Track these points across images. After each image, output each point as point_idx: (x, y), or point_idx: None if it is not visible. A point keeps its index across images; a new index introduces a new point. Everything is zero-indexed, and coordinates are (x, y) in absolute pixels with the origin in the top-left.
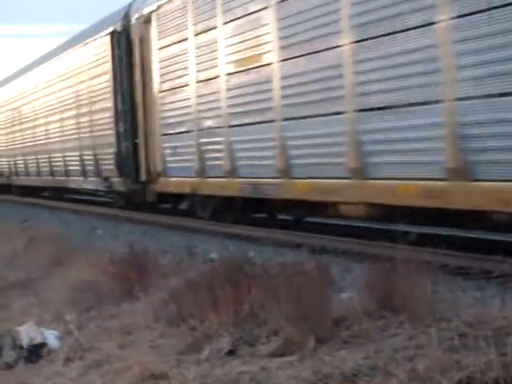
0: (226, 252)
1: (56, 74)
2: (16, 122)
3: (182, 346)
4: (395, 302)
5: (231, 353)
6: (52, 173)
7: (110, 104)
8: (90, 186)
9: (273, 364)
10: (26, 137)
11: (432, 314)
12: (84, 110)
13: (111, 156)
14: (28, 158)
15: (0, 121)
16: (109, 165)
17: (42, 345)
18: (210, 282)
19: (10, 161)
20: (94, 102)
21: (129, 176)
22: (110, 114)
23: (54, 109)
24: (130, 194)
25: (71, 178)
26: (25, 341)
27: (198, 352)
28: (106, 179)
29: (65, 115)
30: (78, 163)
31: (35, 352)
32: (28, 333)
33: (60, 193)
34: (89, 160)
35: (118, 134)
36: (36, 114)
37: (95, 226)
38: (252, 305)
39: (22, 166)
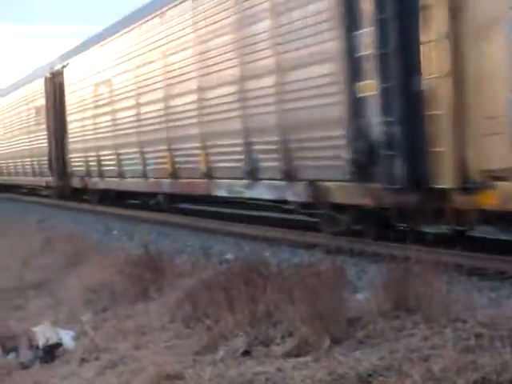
0: (242, 252)
1: None
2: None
3: (198, 346)
4: (410, 302)
5: (246, 353)
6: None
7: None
8: None
9: (288, 364)
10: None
11: (447, 314)
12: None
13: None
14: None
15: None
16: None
17: (58, 345)
18: (225, 283)
19: (88, 156)
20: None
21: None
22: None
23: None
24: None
25: None
26: (41, 341)
27: (214, 352)
28: None
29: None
30: None
31: (51, 352)
32: (44, 333)
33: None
34: None
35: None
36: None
37: (111, 227)
38: (267, 305)
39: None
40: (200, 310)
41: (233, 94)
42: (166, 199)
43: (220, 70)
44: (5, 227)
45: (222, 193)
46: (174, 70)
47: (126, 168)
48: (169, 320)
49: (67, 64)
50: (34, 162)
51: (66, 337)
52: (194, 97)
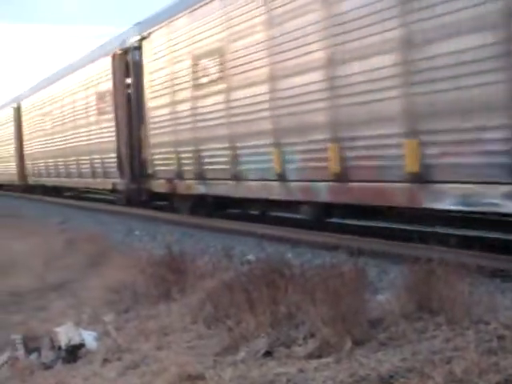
0: (264, 253)
1: None
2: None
3: (219, 347)
4: (433, 303)
5: (268, 354)
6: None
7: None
8: None
9: (309, 365)
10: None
11: (470, 316)
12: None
13: None
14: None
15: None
16: None
17: (80, 345)
18: (247, 284)
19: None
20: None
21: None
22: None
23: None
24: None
25: None
26: (63, 341)
27: (235, 353)
28: None
29: None
30: None
31: (73, 353)
32: (66, 333)
33: None
34: None
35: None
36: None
37: (133, 227)
38: (289, 306)
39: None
40: (222, 311)
41: None
42: (317, 211)
43: None
44: (27, 228)
45: (448, 205)
46: None
47: (245, 167)
48: (190, 321)
49: (148, 35)
50: (96, 161)
51: (89, 337)
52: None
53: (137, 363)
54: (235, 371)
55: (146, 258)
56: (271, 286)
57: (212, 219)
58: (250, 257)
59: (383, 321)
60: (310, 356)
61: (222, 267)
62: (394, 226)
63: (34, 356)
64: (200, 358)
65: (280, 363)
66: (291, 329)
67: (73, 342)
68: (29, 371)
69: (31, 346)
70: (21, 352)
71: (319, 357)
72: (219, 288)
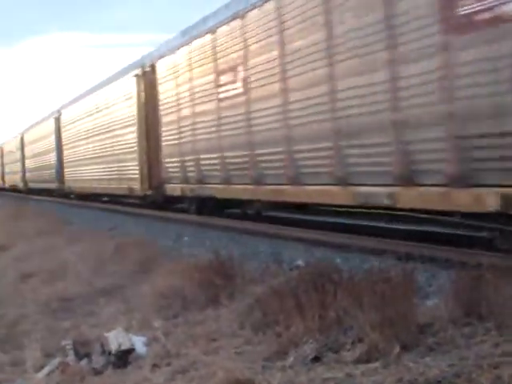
0: (312, 259)
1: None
2: None
3: (268, 352)
4: (482, 309)
5: (316, 359)
6: None
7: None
8: None
9: (357, 370)
10: None
11: None
12: None
13: None
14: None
15: None
16: None
17: (130, 351)
18: (295, 289)
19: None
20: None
21: None
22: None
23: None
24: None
25: None
26: (113, 346)
27: (283, 358)
28: None
29: None
30: None
31: (123, 358)
32: (116, 339)
33: None
34: None
35: None
36: None
37: (182, 233)
38: (337, 311)
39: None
40: (270, 317)
41: None
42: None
43: None
44: (77, 234)
45: None
46: None
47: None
48: (239, 326)
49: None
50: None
51: (138, 342)
52: None
53: (185, 368)
54: (284, 376)
55: (194, 264)
56: (320, 291)
57: (260, 224)
58: (299, 262)
59: (432, 326)
60: (357, 361)
61: (271, 272)
62: (443, 230)
63: (84, 361)
64: (248, 363)
65: (328, 368)
66: (339, 334)
67: (123, 348)
68: (79, 376)
69: (82, 351)
70: (71, 357)
71: (367, 362)
72: (268, 293)
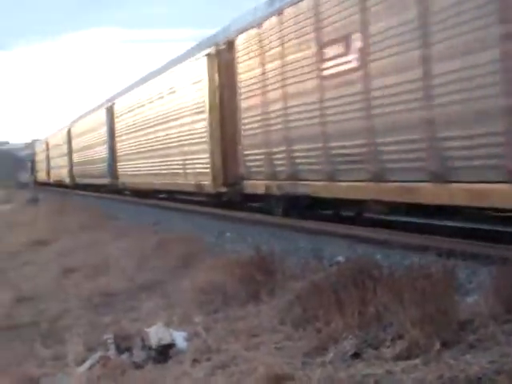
0: (353, 255)
1: None
2: None
3: (307, 348)
4: None
5: (356, 355)
6: None
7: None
8: None
9: (397, 367)
10: None
11: None
12: None
13: None
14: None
15: None
16: None
17: (171, 345)
18: (335, 285)
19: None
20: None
21: None
22: None
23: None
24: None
25: None
26: (154, 341)
27: (323, 354)
28: None
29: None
30: None
31: (164, 352)
32: (157, 333)
33: None
34: None
35: None
36: None
37: (224, 229)
38: (377, 307)
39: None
40: (310, 312)
41: None
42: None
43: None
44: (121, 229)
45: None
46: None
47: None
48: (279, 322)
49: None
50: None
51: (179, 337)
52: None
53: (226, 363)
54: (323, 372)
55: (235, 259)
56: (360, 287)
57: (302, 220)
58: (340, 258)
59: (472, 322)
60: (397, 357)
61: (311, 268)
62: (484, 227)
63: (125, 356)
64: (288, 358)
65: (368, 364)
66: (379, 330)
67: (163, 342)
68: (120, 371)
69: (123, 345)
70: (112, 351)
71: (407, 358)
72: (308, 289)
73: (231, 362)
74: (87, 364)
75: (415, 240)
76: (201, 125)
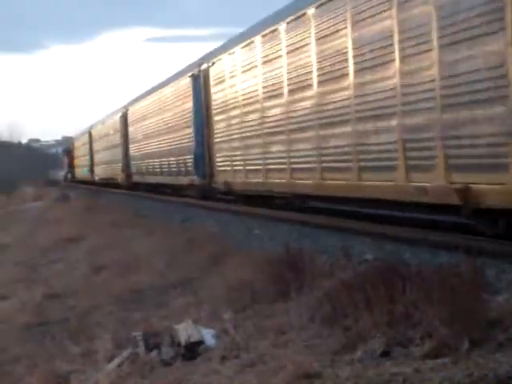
0: (382, 253)
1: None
2: None
3: (336, 346)
4: None
5: (385, 354)
6: None
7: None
8: None
9: (426, 366)
10: None
11: None
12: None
13: None
14: None
15: None
16: None
17: (200, 343)
18: (364, 283)
19: None
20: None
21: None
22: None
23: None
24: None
25: None
26: (183, 338)
27: (352, 352)
28: None
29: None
30: None
31: (192, 350)
32: (186, 331)
33: None
34: None
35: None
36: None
37: (252, 227)
38: (406, 306)
39: None
40: (339, 310)
41: None
42: None
43: None
44: (151, 227)
45: None
46: None
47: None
48: (308, 319)
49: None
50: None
51: (208, 335)
52: None
53: (254, 361)
54: (352, 370)
55: (264, 257)
56: (388, 286)
57: (330, 218)
58: (368, 256)
59: (501, 321)
60: (426, 356)
61: (340, 266)
62: None
63: (154, 353)
64: (317, 356)
65: (396, 363)
66: (408, 328)
67: (192, 339)
68: (149, 367)
69: (152, 342)
70: (141, 349)
71: (436, 357)
72: (337, 287)
73: (260, 359)
74: (116, 361)
75: (444, 238)
76: None
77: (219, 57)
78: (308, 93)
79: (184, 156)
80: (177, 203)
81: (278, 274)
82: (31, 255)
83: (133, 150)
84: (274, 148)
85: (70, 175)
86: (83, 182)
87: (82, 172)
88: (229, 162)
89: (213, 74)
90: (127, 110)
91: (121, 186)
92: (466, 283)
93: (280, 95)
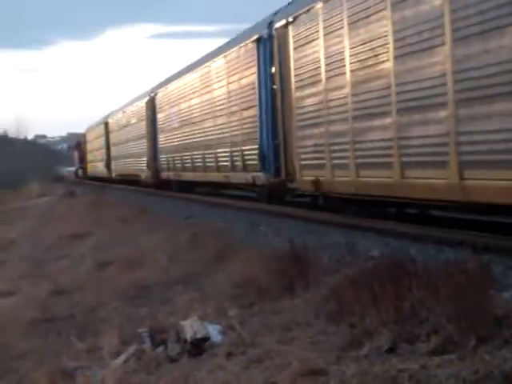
0: (388, 249)
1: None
2: None
3: (342, 342)
4: None
5: (391, 350)
6: None
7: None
8: None
9: (432, 362)
10: None
11: None
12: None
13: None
14: None
15: None
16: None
17: (205, 339)
18: (370, 280)
19: None
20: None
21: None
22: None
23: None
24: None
25: None
26: (188, 335)
27: (358, 349)
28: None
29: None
30: None
31: (198, 346)
32: (192, 327)
33: None
34: None
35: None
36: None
37: (257, 222)
38: (412, 302)
39: None
40: (345, 307)
41: None
42: None
43: None
44: (156, 223)
45: None
46: None
47: None
48: (314, 316)
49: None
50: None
51: (214, 331)
52: None
53: (260, 357)
54: (358, 367)
55: (269, 253)
56: (395, 282)
57: (335, 214)
58: (374, 252)
59: (508, 318)
60: (433, 352)
61: (346, 263)
62: None
63: (160, 349)
64: (323, 353)
65: (403, 359)
66: (414, 325)
67: (198, 336)
68: (155, 364)
69: (158, 338)
70: (147, 345)
71: (442, 353)
72: (343, 284)
73: (266, 356)
74: (122, 357)
75: (450, 235)
76: None
77: (309, 6)
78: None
79: (242, 146)
80: (181, 199)
81: (284, 270)
82: (37, 251)
83: (162, 141)
84: (418, 130)
85: (81, 172)
86: (98, 179)
87: (95, 168)
88: (322, 154)
89: (294, 32)
90: (155, 94)
91: (145, 184)
92: (473, 280)
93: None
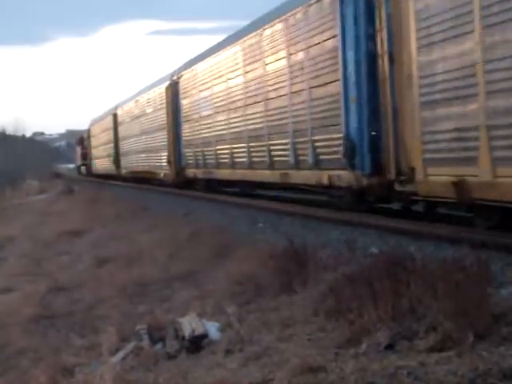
0: (386, 246)
1: None
2: None
3: (340, 339)
4: None
5: (389, 347)
6: None
7: None
8: None
9: (431, 359)
10: None
11: None
12: None
13: None
14: None
15: None
16: None
17: (204, 336)
18: (369, 277)
19: None
20: None
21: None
22: None
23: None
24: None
25: None
26: (187, 332)
27: (356, 346)
28: None
29: None
30: None
31: (197, 343)
32: (190, 324)
33: None
34: None
35: None
36: None
37: (256, 219)
38: (411, 300)
39: None
40: (343, 304)
41: None
42: None
43: None
44: (154, 220)
45: None
46: None
47: None
48: (312, 313)
49: None
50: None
51: (212, 328)
52: None
53: (258, 354)
54: (356, 364)
55: (268, 250)
56: (393, 279)
57: (334, 212)
58: (373, 249)
59: (506, 315)
60: (431, 349)
61: (344, 260)
62: None
63: (158, 346)
64: (321, 350)
65: (401, 356)
66: (413, 322)
67: (196, 333)
68: (153, 360)
69: (156, 335)
70: (146, 342)
71: (440, 350)
72: (341, 281)
73: (264, 353)
74: (121, 354)
75: (448, 232)
76: None
77: None
78: None
79: (312, 136)
80: (179, 195)
81: (282, 267)
82: (36, 248)
83: (188, 132)
84: None
85: (83, 169)
86: (105, 176)
87: (101, 165)
88: (471, 143)
89: None
90: (179, 78)
91: (166, 183)
92: (471, 277)
93: None
